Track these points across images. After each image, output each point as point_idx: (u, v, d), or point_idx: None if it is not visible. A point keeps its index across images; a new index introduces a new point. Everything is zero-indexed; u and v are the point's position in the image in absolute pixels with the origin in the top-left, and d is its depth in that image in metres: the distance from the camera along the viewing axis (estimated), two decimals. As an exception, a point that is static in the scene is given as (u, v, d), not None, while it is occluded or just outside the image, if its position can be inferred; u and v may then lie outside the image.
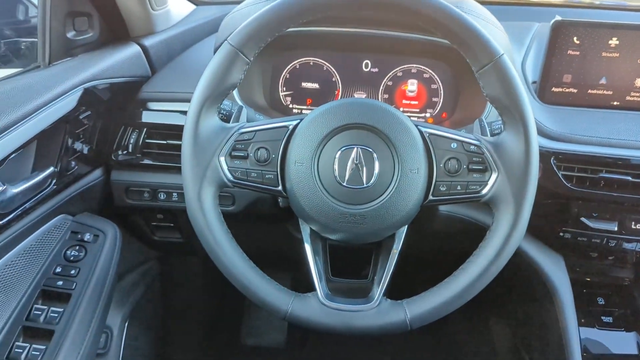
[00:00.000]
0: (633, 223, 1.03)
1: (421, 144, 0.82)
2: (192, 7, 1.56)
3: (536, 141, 0.79)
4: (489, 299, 1.62)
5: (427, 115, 1.24)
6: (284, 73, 1.23)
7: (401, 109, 1.24)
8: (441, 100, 1.22)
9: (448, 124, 1.21)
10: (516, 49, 1.24)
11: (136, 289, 1.43)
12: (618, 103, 1.16)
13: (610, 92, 1.15)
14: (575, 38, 1.12)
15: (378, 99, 1.24)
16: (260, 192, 0.85)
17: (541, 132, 1.04)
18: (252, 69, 1.17)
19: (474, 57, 0.79)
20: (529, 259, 1.12)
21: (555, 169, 1.01)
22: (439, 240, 1.28)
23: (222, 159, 0.83)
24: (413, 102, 1.24)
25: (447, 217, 1.10)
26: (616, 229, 1.02)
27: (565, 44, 1.12)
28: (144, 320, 1.48)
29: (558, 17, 1.10)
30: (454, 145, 0.82)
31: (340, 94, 1.24)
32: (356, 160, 0.80)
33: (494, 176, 0.81)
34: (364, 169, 0.80)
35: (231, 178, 0.83)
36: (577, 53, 1.13)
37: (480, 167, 0.81)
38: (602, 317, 1.09)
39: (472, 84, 1.16)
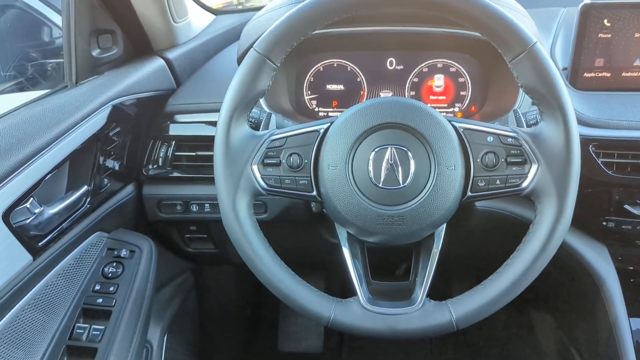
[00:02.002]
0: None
1: (456, 140, 0.80)
2: (212, 17, 1.56)
3: (576, 130, 0.77)
4: (531, 293, 1.59)
5: (456, 109, 1.22)
6: (308, 77, 1.22)
7: (429, 105, 1.22)
8: (469, 93, 1.20)
9: (478, 117, 1.18)
10: (544, 36, 1.21)
11: (173, 302, 1.43)
12: (654, 85, 1.12)
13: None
14: (605, 20, 1.08)
15: (405, 97, 1.22)
16: (295, 198, 0.84)
17: (577, 120, 1.00)
18: (277, 75, 1.16)
19: (506, 47, 0.77)
20: (572, 250, 1.09)
21: (594, 156, 0.98)
22: (477, 238, 1.25)
23: (255, 167, 0.82)
24: (441, 98, 1.22)
25: (484, 213, 1.07)
26: None
27: (596, 27, 1.09)
28: (183, 332, 1.49)
29: (587, 0, 1.07)
30: (490, 138, 0.80)
31: (365, 94, 1.23)
32: (391, 161, 0.79)
33: (534, 168, 0.78)
34: (399, 168, 0.79)
35: (265, 186, 0.83)
36: (609, 36, 1.10)
37: (519, 160, 0.79)
38: None
39: (500, 75, 1.14)
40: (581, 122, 1.00)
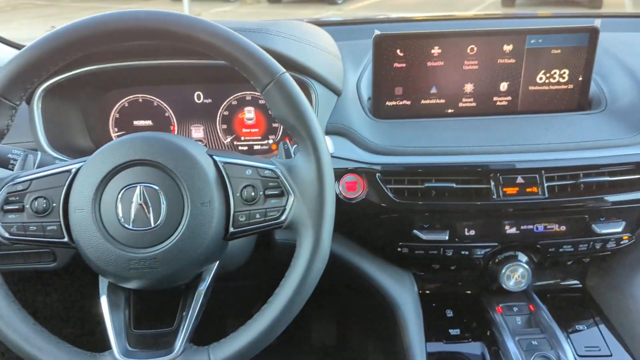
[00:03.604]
0: (466, 230, 1.01)
1: (213, 175, 0.76)
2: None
3: (327, 159, 0.76)
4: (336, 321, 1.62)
5: (270, 141, 1.20)
6: (113, 113, 1.17)
7: (243, 138, 1.20)
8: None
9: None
10: (353, 69, 1.23)
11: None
12: (452, 110, 1.16)
13: (442, 101, 1.16)
14: (398, 50, 1.11)
15: (217, 130, 1.19)
16: (44, 246, 0.77)
17: (367, 148, 1.01)
18: (69, 111, 1.10)
19: (255, 78, 0.76)
20: (370, 278, 1.09)
21: (381, 183, 0.98)
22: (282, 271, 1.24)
23: None
24: (253, 130, 1.20)
25: (283, 245, 1.05)
26: (447, 238, 1.01)
27: (390, 57, 1.11)
28: None
29: (377, 32, 1.10)
30: (248, 171, 0.78)
31: (176, 129, 1.18)
32: (140, 200, 0.74)
33: (290, 200, 0.76)
34: (150, 208, 0.74)
35: (6, 235, 0.75)
36: (404, 65, 1.13)
37: (277, 192, 0.77)
38: (450, 330, 1.07)
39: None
40: (371, 150, 1.01)
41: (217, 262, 0.81)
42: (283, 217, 0.77)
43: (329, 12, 10.78)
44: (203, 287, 0.79)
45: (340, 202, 1.01)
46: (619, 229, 1.01)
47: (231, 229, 0.77)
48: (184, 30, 0.74)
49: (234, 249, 0.90)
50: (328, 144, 0.89)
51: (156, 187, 0.75)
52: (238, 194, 0.77)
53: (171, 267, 0.75)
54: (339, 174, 1.01)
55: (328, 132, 1.05)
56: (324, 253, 0.75)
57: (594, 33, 1.10)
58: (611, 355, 1.02)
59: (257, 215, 0.77)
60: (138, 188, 0.74)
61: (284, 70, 0.76)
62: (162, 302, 0.90)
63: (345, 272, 1.10)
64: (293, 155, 0.86)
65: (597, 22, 1.09)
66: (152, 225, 0.74)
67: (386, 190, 0.99)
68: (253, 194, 0.77)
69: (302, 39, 1.05)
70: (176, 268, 0.75)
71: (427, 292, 1.15)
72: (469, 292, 1.17)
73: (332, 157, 1.01)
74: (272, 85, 0.75)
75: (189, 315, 0.77)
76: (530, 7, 10.64)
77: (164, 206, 0.74)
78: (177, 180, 0.75)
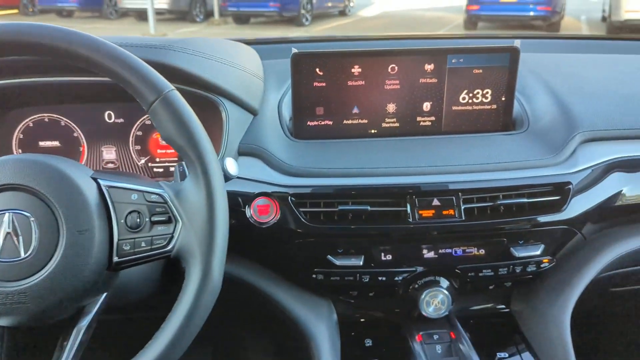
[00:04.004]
0: (382, 254, 0.97)
1: (95, 200, 0.70)
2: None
3: (219, 183, 0.71)
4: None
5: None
6: (16, 133, 1.09)
7: (158, 159, 1.14)
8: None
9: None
10: (276, 87, 1.19)
11: None
12: (375, 131, 1.13)
13: (365, 121, 1.12)
14: (317, 69, 1.08)
15: (130, 151, 1.13)
16: None
17: (281, 170, 0.97)
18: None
19: (140, 95, 0.71)
20: (283, 308, 1.04)
21: (294, 207, 0.94)
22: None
23: None
24: (169, 151, 1.14)
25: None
26: (362, 263, 0.97)
27: (309, 76, 1.08)
28: None
29: (294, 50, 1.06)
30: (134, 196, 0.72)
31: (86, 150, 1.12)
32: (9, 228, 0.68)
33: (178, 227, 0.71)
34: (20, 237, 0.68)
35: None
36: (324, 84, 1.09)
37: (164, 219, 0.72)
38: None
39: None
40: (285, 172, 0.97)
41: (105, 294, 0.75)
42: (170, 246, 0.71)
43: (296, 34, 10.86)
44: (85, 323, 0.72)
45: (252, 227, 0.96)
46: (538, 252, 0.98)
47: (115, 259, 0.71)
48: (62, 45, 0.69)
49: (132, 278, 0.83)
50: (231, 166, 0.84)
51: (27, 214, 0.68)
52: (122, 221, 0.71)
53: (44, 302, 0.68)
54: (250, 198, 0.96)
55: (241, 153, 1.00)
56: (213, 285, 0.70)
57: (514, 53, 1.09)
58: None
59: (143, 244, 0.71)
60: (7, 215, 0.68)
61: (172, 87, 0.71)
62: (43, 337, 0.83)
63: (259, 301, 1.05)
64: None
65: (517, 43, 1.08)
66: (22, 256, 0.67)
67: (299, 214, 0.94)
68: (138, 220, 0.71)
69: (213, 56, 1.01)
70: (49, 303, 0.68)
71: (347, 320, 1.11)
72: (390, 320, 1.13)
73: (243, 179, 0.97)
74: (157, 103, 0.70)
75: (65, 354, 0.70)
76: (492, 30, 10.97)
77: (35, 235, 0.68)
78: (52, 206, 0.69)
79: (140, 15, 11.30)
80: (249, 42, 1.31)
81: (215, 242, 0.69)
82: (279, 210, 0.95)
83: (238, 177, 0.96)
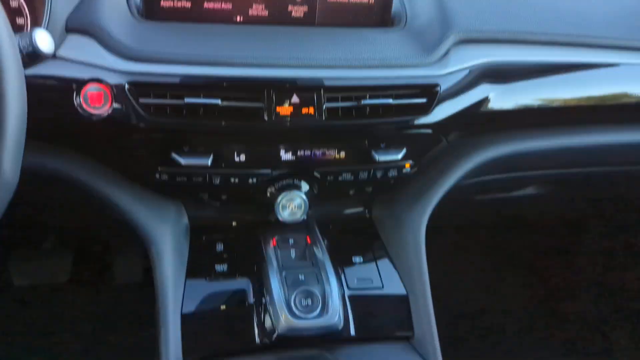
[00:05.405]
0: (235, 154, 0.89)
1: None
2: None
3: (9, 60, 0.58)
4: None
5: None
6: None
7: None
8: None
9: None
10: None
11: None
12: (241, 18, 1.00)
13: (229, 6, 0.99)
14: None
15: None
16: None
17: (119, 53, 0.83)
18: None
19: None
20: (122, 211, 0.94)
21: (130, 96, 0.81)
22: None
23: None
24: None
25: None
26: (210, 163, 0.88)
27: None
28: None
29: None
30: None
31: None
32: None
33: None
34: None
35: None
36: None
37: None
38: (216, 266, 0.97)
39: None
40: (122, 54, 0.83)
41: None
42: None
43: None
44: None
45: (82, 118, 0.83)
46: (399, 157, 0.94)
47: None
48: None
49: None
50: (43, 41, 0.70)
51: None
52: None
53: None
54: (80, 84, 0.82)
55: (69, 30, 0.84)
56: (5, 180, 0.58)
57: (394, -59, 0.98)
58: (382, 287, 0.99)
59: None
60: None
61: None
62: None
63: (98, 204, 0.94)
64: None
65: None
66: None
67: (136, 105, 0.82)
68: None
69: None
70: None
71: (199, 225, 1.04)
72: (246, 225, 1.07)
73: (71, 61, 0.83)
74: None
75: None
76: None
77: None
78: None
79: None
80: None
81: (3, 128, 0.57)
82: (112, 100, 0.82)
83: (65, 59, 0.82)
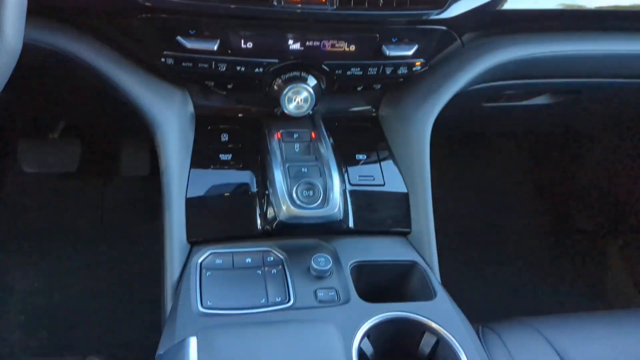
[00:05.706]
0: (242, 41, 0.86)
1: None
2: None
3: None
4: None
5: None
6: None
7: None
8: None
9: None
10: None
11: None
12: None
13: None
14: None
15: None
16: None
17: None
18: None
19: None
20: (127, 93, 0.93)
21: None
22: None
23: None
24: None
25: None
26: (216, 48, 0.86)
27: None
28: None
29: None
30: None
31: None
32: None
33: None
34: None
35: None
36: None
37: None
38: (220, 155, 0.97)
39: None
40: None
41: None
42: None
43: None
44: None
45: None
46: (410, 52, 0.91)
47: None
48: None
49: None
50: None
51: None
52: None
53: None
54: None
55: None
56: (7, 45, 0.57)
57: None
58: (383, 185, 1.00)
59: None
60: None
61: None
62: None
63: (102, 86, 0.93)
64: None
65: None
66: None
67: None
68: None
69: None
70: None
71: (204, 113, 1.03)
72: (251, 116, 1.06)
73: None
74: None
75: None
76: None
77: None
78: None
79: None
80: None
81: None
82: None
83: None
